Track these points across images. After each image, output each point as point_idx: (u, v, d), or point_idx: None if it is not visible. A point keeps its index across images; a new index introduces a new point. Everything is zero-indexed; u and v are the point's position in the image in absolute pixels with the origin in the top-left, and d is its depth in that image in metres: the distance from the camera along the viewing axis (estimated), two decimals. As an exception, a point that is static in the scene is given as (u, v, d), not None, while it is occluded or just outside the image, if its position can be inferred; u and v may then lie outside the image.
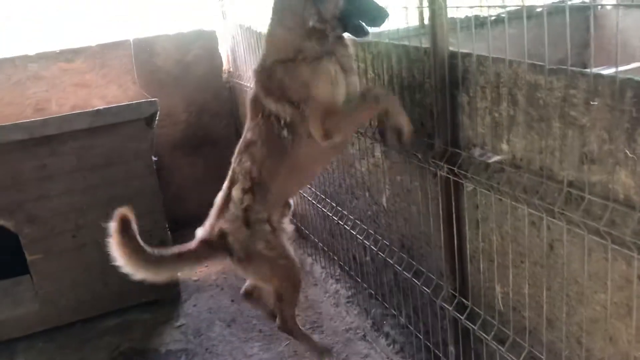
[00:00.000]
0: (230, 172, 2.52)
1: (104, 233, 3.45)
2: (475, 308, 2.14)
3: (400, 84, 2.35)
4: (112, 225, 2.39)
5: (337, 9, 2.11)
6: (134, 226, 2.43)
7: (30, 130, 3.14)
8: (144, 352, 3.25)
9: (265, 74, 2.30)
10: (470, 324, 2.12)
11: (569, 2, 4.10)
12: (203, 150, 4.73)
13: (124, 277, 3.54)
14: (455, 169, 2.00)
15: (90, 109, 3.33)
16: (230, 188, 2.49)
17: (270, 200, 2.45)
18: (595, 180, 1.51)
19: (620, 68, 1.39)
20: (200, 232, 2.60)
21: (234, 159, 2.50)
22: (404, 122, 2.17)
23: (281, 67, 2.22)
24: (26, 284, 3.42)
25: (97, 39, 4.29)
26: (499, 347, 1.98)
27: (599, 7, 4.61)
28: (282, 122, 2.27)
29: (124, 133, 3.36)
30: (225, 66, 4.73)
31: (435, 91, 2.06)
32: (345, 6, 2.11)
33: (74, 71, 4.21)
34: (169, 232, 3.72)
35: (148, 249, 2.46)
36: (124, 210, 2.40)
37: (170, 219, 3.84)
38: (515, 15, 3.76)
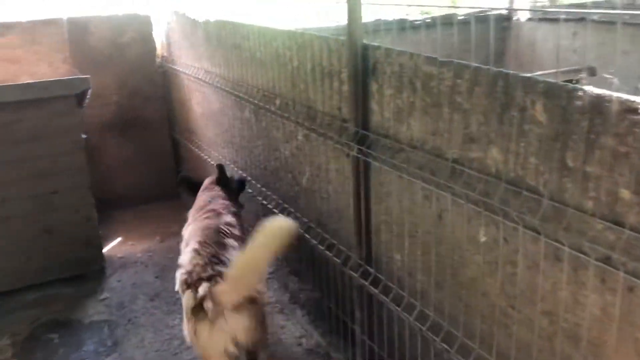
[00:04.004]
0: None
1: (29, 207, 3.51)
2: (378, 275, 2.39)
3: (321, 72, 2.57)
4: None
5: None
6: None
7: (-43, 99, 3.15)
8: (66, 324, 3.32)
9: None
10: (373, 288, 2.36)
11: (491, 12, 4.49)
12: (133, 133, 4.80)
13: (48, 252, 3.62)
14: (364, 149, 2.24)
15: (21, 82, 3.37)
16: None
17: None
18: (473, 157, 1.78)
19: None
20: None
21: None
22: None
23: None
24: (-54, 255, 3.42)
25: (29, 15, 4.28)
26: (396, 308, 2.23)
27: (515, 19, 5.04)
28: None
29: (53, 108, 3.42)
30: (159, 51, 4.81)
31: (349, 79, 2.29)
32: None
33: (3, 46, 4.19)
34: (95, 210, 3.79)
35: None
36: None
37: (97, 198, 3.90)
38: (441, 21, 4.06)
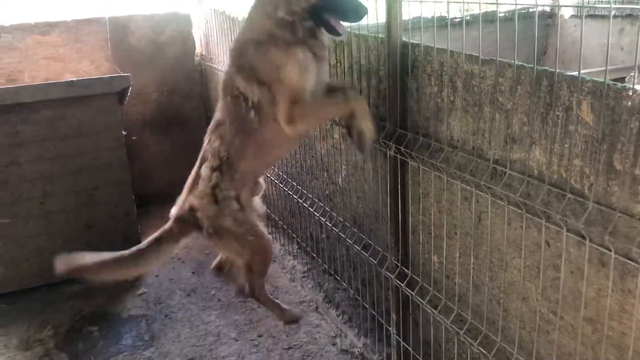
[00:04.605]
0: (201, 151, 2.54)
1: (71, 201, 3.60)
2: (414, 276, 2.35)
3: (359, 70, 2.55)
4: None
5: (308, 3, 2.11)
6: (90, 257, 2.56)
7: (4, 97, 3.25)
8: (106, 316, 3.39)
9: (238, 52, 2.33)
10: (409, 290, 2.33)
11: (536, 9, 4.38)
12: (172, 130, 4.86)
13: (89, 246, 3.68)
14: (402, 148, 2.21)
15: (64, 80, 3.45)
16: (200, 166, 2.52)
17: (237, 178, 2.47)
18: (515, 158, 1.73)
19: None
20: (174, 210, 2.65)
21: (205, 138, 2.52)
22: (367, 127, 2.22)
23: (253, 47, 2.25)
24: (-8, 247, 3.53)
25: (73, 14, 4.38)
26: (433, 310, 2.20)
27: (558, 15, 4.90)
28: (250, 102, 2.28)
29: (96, 105, 3.49)
30: (197, 49, 4.86)
31: (388, 77, 2.26)
32: (317, 1, 2.10)
33: (48, 44, 4.30)
34: (134, 205, 3.85)
35: (124, 253, 2.55)
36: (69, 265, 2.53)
37: (136, 194, 3.96)
38: (482, 19, 3.99)
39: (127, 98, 3.76)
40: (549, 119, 1.59)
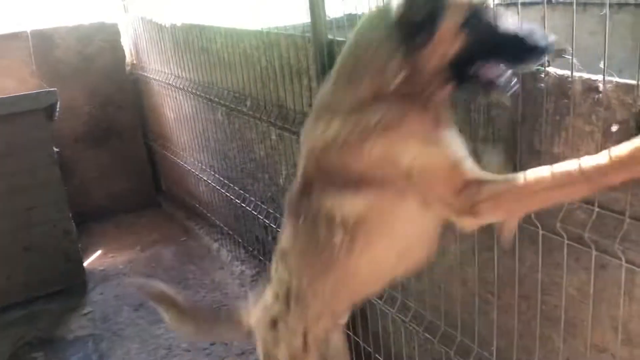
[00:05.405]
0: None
1: (6, 224, 3.46)
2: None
3: (290, 70, 2.56)
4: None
5: (448, 57, 1.38)
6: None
7: None
8: (51, 341, 3.27)
9: (325, 156, 1.56)
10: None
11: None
12: (108, 143, 4.74)
13: (28, 269, 3.57)
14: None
15: (-14, 99, 3.31)
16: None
17: (309, 315, 1.85)
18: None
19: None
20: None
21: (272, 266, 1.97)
22: None
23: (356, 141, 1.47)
24: None
25: (-8, 30, 4.21)
26: (378, 301, 2.23)
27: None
28: (338, 220, 1.58)
29: (23, 123, 3.36)
30: (128, 59, 4.75)
31: (317, 76, 2.28)
32: (466, 47, 1.37)
33: (-34, 63, 4.12)
34: (73, 223, 3.74)
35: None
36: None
37: (74, 212, 3.84)
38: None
39: (57, 113, 3.64)
40: (472, 106, 1.64)
